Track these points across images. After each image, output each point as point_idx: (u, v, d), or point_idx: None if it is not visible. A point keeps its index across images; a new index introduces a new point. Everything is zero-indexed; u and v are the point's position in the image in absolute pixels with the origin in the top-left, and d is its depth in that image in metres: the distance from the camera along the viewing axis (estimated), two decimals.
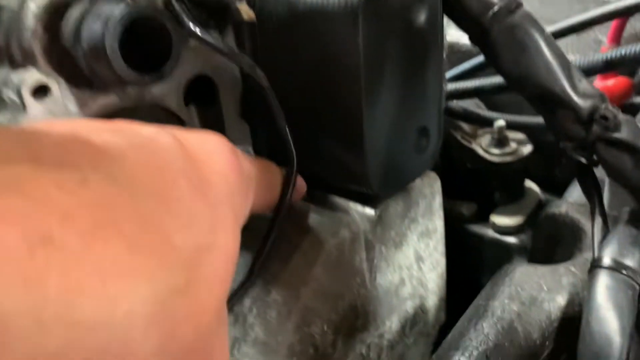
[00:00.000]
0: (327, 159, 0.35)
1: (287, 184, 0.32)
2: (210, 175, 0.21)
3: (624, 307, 0.31)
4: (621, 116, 0.33)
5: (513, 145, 0.62)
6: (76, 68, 0.28)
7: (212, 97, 0.37)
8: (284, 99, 0.35)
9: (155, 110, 0.33)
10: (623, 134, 0.33)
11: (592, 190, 0.36)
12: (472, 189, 0.65)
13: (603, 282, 0.31)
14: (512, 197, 0.65)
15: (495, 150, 0.62)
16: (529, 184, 0.67)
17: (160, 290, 0.16)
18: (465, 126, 0.65)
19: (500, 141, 0.62)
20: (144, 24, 0.27)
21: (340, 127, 0.34)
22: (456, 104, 0.62)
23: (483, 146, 0.63)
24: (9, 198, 0.13)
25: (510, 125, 0.62)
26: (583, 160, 0.35)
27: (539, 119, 0.60)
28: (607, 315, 0.30)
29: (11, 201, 0.13)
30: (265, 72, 0.32)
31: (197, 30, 0.27)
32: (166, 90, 0.33)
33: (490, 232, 0.64)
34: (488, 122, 0.62)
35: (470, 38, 0.37)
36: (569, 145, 0.36)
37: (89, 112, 0.30)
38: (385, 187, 0.36)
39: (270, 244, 0.32)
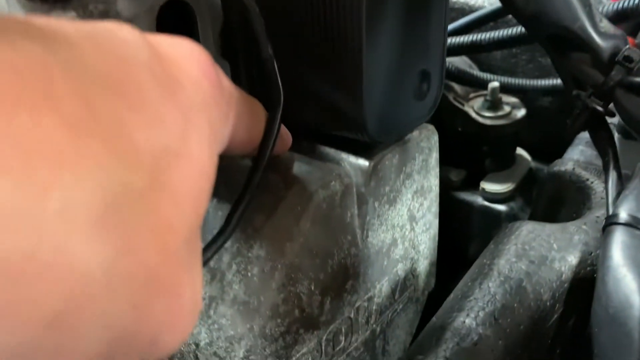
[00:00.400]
0: (319, 102, 0.32)
1: (271, 123, 0.28)
2: (180, 77, 0.17)
3: None
4: None
5: (506, 108, 0.60)
6: None
7: (189, 29, 0.33)
8: (273, 36, 0.31)
9: None
10: None
11: (606, 143, 0.33)
12: (462, 154, 0.62)
13: (619, 239, 0.29)
14: (503, 163, 0.62)
15: (488, 113, 0.59)
16: (520, 151, 0.65)
17: (111, 187, 0.13)
18: (458, 87, 0.62)
19: (494, 104, 0.59)
20: None
21: (337, 66, 0.30)
22: (449, 62, 0.59)
23: (475, 109, 0.60)
24: None
25: (504, 88, 0.59)
26: (599, 108, 0.32)
27: (534, 82, 0.57)
28: (625, 275, 0.27)
29: None
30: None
31: None
32: (136, 11, 0.29)
33: (479, 200, 0.61)
34: (482, 84, 0.59)
35: None
36: (583, 93, 0.32)
37: None
38: (382, 134, 0.32)
39: (251, 190, 0.28)
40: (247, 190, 0.28)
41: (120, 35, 0.16)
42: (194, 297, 0.17)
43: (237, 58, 0.35)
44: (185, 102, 0.17)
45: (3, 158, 0.11)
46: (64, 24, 0.14)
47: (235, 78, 0.35)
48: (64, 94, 0.13)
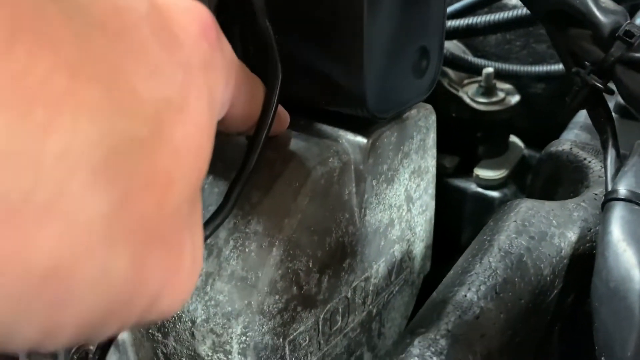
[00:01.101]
0: (318, 76, 0.31)
1: (269, 97, 0.28)
2: (180, 34, 0.17)
3: None
4: None
5: (500, 94, 0.60)
6: None
7: None
8: (272, 8, 0.30)
9: None
10: None
11: (605, 121, 0.33)
12: (456, 140, 0.62)
13: (619, 214, 0.28)
14: (496, 149, 0.62)
15: (482, 99, 0.59)
16: (513, 138, 0.65)
17: (112, 133, 0.12)
18: (452, 73, 0.62)
19: (488, 89, 0.59)
20: None
21: (337, 38, 0.29)
22: (444, 49, 0.59)
23: (469, 94, 0.60)
24: None
25: (499, 74, 0.59)
26: (599, 85, 0.31)
27: (528, 68, 0.57)
28: (625, 249, 0.27)
29: None
30: None
31: None
32: None
33: (472, 186, 0.61)
34: (476, 69, 0.59)
35: None
36: (582, 71, 0.32)
37: None
38: (381, 110, 0.32)
39: (249, 168, 0.28)
40: (244, 168, 0.28)
41: None
42: (193, 257, 0.17)
43: (233, 33, 0.34)
44: (184, 59, 0.16)
45: (1, 93, 0.11)
46: None
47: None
48: (63, 37, 0.12)
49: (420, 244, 0.43)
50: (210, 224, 0.26)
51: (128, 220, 0.13)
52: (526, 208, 0.31)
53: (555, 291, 0.29)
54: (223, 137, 0.26)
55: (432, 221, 0.44)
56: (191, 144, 0.15)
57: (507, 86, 0.61)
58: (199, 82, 0.17)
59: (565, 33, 0.32)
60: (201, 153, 0.16)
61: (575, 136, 0.43)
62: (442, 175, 0.62)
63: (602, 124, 0.33)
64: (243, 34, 0.34)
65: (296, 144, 0.32)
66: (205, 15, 0.19)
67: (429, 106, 0.38)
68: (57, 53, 0.12)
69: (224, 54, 0.20)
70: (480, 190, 0.60)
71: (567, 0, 0.30)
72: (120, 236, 0.13)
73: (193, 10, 0.19)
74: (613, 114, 0.37)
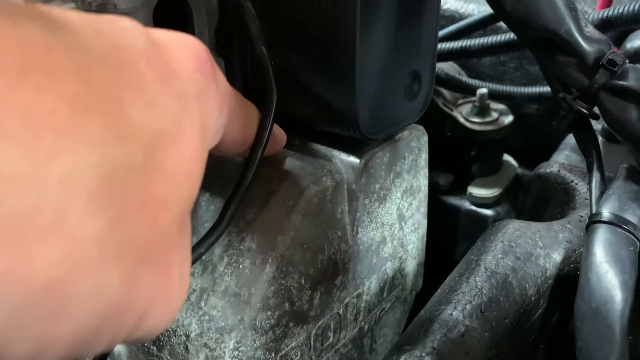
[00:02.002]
0: (313, 98, 0.32)
1: (264, 121, 0.29)
2: (176, 67, 0.18)
3: (625, 262, 0.29)
4: (628, 63, 0.31)
5: (494, 114, 0.61)
6: None
7: (185, 25, 0.33)
8: (267, 28, 0.32)
9: None
10: (630, 82, 0.31)
11: (590, 145, 0.34)
12: (451, 158, 0.63)
13: (602, 237, 0.29)
14: (490, 168, 0.63)
15: (476, 119, 0.60)
16: (507, 157, 0.66)
17: (109, 160, 0.13)
18: (447, 93, 0.63)
19: (482, 109, 0.60)
20: None
21: (330, 62, 0.30)
22: (438, 69, 0.60)
23: (464, 114, 0.61)
24: None
25: (492, 94, 0.60)
26: (584, 111, 0.33)
27: (521, 89, 0.59)
28: (607, 271, 0.28)
29: None
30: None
31: None
32: (134, 5, 0.29)
33: (466, 204, 0.62)
34: (470, 90, 0.60)
35: None
36: (568, 96, 0.33)
37: None
38: (373, 131, 0.33)
39: (243, 189, 0.28)
40: (239, 187, 0.29)
41: (120, 24, 0.17)
42: (181, 276, 0.18)
43: (232, 55, 0.35)
44: (179, 90, 0.17)
45: (11, 125, 0.12)
46: (67, 12, 0.15)
47: (230, 75, 0.36)
48: (66, 72, 0.13)
49: (412, 262, 0.44)
50: (205, 242, 0.27)
51: (121, 241, 0.14)
52: (513, 229, 0.32)
53: (540, 310, 0.30)
54: (221, 156, 0.27)
55: (425, 239, 0.45)
56: (184, 170, 0.16)
57: (500, 106, 0.62)
58: (193, 112, 0.18)
59: (552, 60, 0.33)
60: (193, 178, 0.17)
61: (565, 157, 0.44)
62: (436, 193, 0.63)
63: (587, 148, 0.34)
64: (242, 55, 0.35)
65: (291, 162, 0.33)
66: (200, 49, 0.20)
67: (421, 127, 0.39)
68: (60, 87, 0.13)
69: (217, 85, 0.21)
70: (474, 208, 0.61)
71: (553, 29, 0.31)
72: (113, 255, 0.14)
73: (189, 45, 0.20)
74: (599, 137, 0.38)
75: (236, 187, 0.28)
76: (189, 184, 0.17)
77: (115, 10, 0.29)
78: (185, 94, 0.18)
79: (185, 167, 0.16)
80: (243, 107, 0.26)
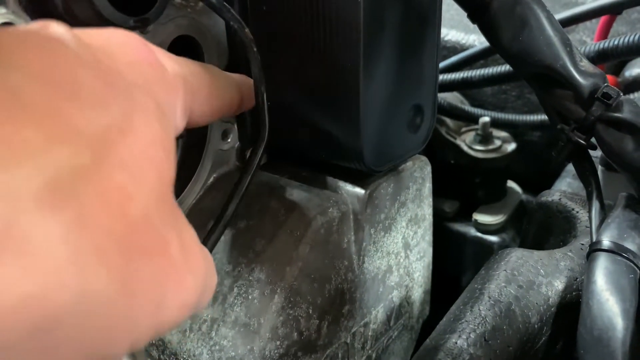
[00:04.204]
0: (318, 132, 0.33)
1: (253, 156, 0.30)
2: (114, 64, 0.18)
3: (626, 290, 0.29)
4: (623, 96, 0.32)
5: (497, 142, 0.62)
6: (50, 9, 0.26)
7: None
8: (274, 68, 0.33)
9: None
10: (625, 114, 0.32)
11: (589, 174, 0.35)
12: (455, 186, 0.63)
13: (603, 265, 0.30)
14: (495, 195, 0.64)
15: (479, 147, 0.61)
16: (511, 184, 0.67)
17: (51, 167, 0.14)
18: (450, 122, 0.64)
19: (485, 138, 0.61)
20: None
21: (335, 97, 0.32)
22: (441, 98, 0.62)
23: (467, 142, 0.62)
24: None
25: (495, 123, 0.61)
26: (581, 142, 0.34)
27: (524, 117, 0.60)
28: (608, 299, 0.29)
29: None
30: (255, 35, 0.30)
31: None
32: None
33: (472, 231, 0.63)
34: (473, 118, 0.61)
35: (469, 14, 0.35)
36: (566, 128, 0.34)
37: None
38: (378, 164, 0.34)
39: (227, 217, 0.29)
40: (232, 197, 0.29)
41: (49, 31, 0.17)
42: (184, 252, 0.17)
43: None
44: (122, 86, 0.17)
45: None
46: None
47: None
48: (2, 93, 0.13)
49: (418, 289, 0.45)
50: (209, 239, 0.27)
51: (93, 239, 0.14)
52: (516, 257, 0.33)
53: (544, 338, 0.31)
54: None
55: (430, 266, 0.46)
56: (142, 157, 0.16)
57: (503, 134, 0.64)
58: (143, 102, 0.18)
59: (550, 93, 0.34)
60: (156, 162, 0.17)
61: (567, 185, 0.45)
62: (442, 220, 0.64)
63: (586, 178, 0.35)
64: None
65: (298, 194, 0.35)
66: (134, 41, 0.21)
67: (424, 158, 0.40)
68: None
69: (164, 69, 0.22)
70: (479, 234, 0.62)
71: (549, 64, 0.33)
72: (89, 255, 0.14)
73: (123, 39, 0.20)
74: (599, 166, 0.39)
75: (218, 218, 0.28)
76: (153, 169, 0.17)
77: None
78: (129, 88, 0.18)
79: (144, 155, 0.17)
80: (206, 77, 0.26)
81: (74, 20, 0.25)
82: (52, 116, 0.14)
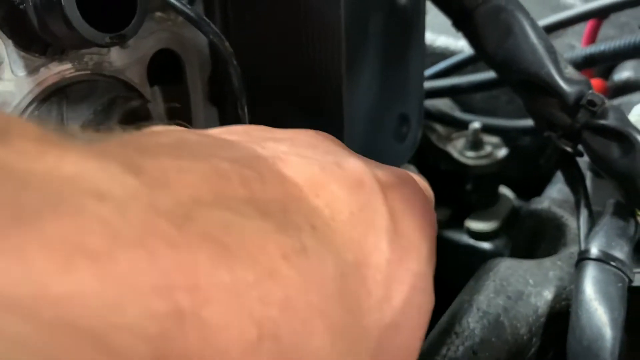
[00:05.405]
0: None
1: None
2: (410, 233, 0.19)
3: (614, 299, 0.29)
4: (608, 103, 0.32)
5: (488, 148, 0.62)
6: (26, 29, 0.26)
7: (179, 77, 0.35)
8: (256, 79, 0.33)
9: (115, 85, 0.31)
10: (610, 121, 0.31)
11: (577, 182, 0.35)
12: (446, 193, 0.63)
13: (591, 274, 0.30)
14: (487, 201, 0.64)
15: (470, 153, 0.61)
16: (503, 189, 0.67)
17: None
18: (440, 128, 0.64)
19: (475, 144, 0.61)
20: None
21: (318, 108, 0.31)
22: (431, 104, 0.61)
23: (458, 149, 0.62)
24: (241, 270, 0.12)
25: (486, 128, 0.61)
26: (568, 149, 0.33)
27: (514, 122, 0.60)
28: (597, 308, 0.28)
29: (240, 273, 0.12)
30: (237, 47, 0.29)
31: None
32: (128, 61, 0.30)
33: (464, 238, 0.62)
34: (463, 125, 0.61)
35: (453, 22, 0.35)
36: (553, 135, 0.34)
37: (40, 80, 0.27)
38: None
39: None
40: None
41: (367, 191, 0.17)
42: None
43: (225, 104, 0.37)
44: (412, 266, 0.18)
45: None
46: (333, 188, 0.16)
47: (224, 123, 0.37)
48: (329, 299, 0.14)
49: None
50: None
51: None
52: (505, 267, 0.33)
53: (533, 349, 0.30)
54: None
55: None
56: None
57: (494, 140, 0.63)
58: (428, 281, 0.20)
59: (536, 100, 0.34)
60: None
61: (557, 191, 0.44)
62: None
63: (574, 185, 0.35)
64: (234, 104, 0.36)
65: None
66: (423, 195, 0.22)
67: (412, 167, 0.40)
68: (328, 321, 0.13)
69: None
70: (472, 241, 0.62)
71: (534, 72, 0.32)
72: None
73: (416, 196, 0.21)
74: (587, 172, 0.39)
75: None
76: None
77: (110, 67, 0.30)
78: (419, 266, 0.19)
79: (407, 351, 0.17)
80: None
81: (50, 38, 0.25)
82: (352, 315, 0.15)
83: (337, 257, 0.15)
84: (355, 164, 0.18)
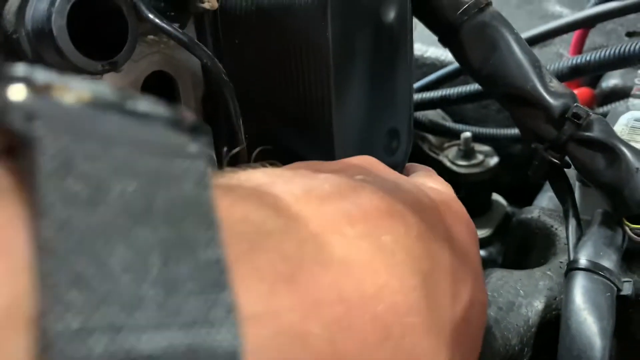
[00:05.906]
0: (294, 159, 0.34)
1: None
2: (464, 238, 0.22)
3: (603, 309, 0.29)
4: (593, 115, 0.33)
5: (480, 157, 0.62)
6: (20, 58, 0.26)
7: (173, 97, 0.35)
8: (248, 98, 0.33)
9: None
10: (595, 133, 0.32)
11: (565, 192, 0.35)
12: None
13: (580, 284, 0.30)
14: (479, 209, 0.64)
15: (462, 162, 0.62)
16: (496, 197, 0.67)
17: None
18: (432, 138, 0.65)
19: (467, 153, 0.62)
20: (97, 9, 0.25)
21: (308, 125, 0.32)
22: (423, 115, 0.62)
23: (450, 158, 0.62)
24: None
25: (477, 137, 0.62)
26: (555, 161, 0.34)
27: (505, 131, 0.60)
28: (586, 318, 0.29)
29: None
30: (229, 68, 0.30)
31: (152, 16, 0.25)
32: (122, 84, 0.31)
33: None
34: (455, 134, 0.62)
35: (439, 37, 0.36)
36: (540, 147, 0.35)
37: None
38: None
39: None
40: None
41: (426, 210, 0.21)
42: None
43: (219, 122, 0.37)
44: (473, 267, 0.22)
45: None
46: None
47: (217, 142, 0.37)
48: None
49: None
50: None
51: None
52: (496, 278, 0.33)
53: (526, 358, 0.31)
54: None
55: None
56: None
57: (486, 148, 0.64)
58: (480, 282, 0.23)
59: (522, 113, 0.35)
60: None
61: (548, 199, 0.45)
62: None
63: (563, 196, 0.35)
64: (228, 122, 0.37)
65: None
66: (458, 203, 0.27)
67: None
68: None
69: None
70: None
71: (519, 86, 0.33)
72: None
73: (457, 207, 0.27)
74: (576, 182, 0.40)
75: None
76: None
77: None
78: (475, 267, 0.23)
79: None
80: None
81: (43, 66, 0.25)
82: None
83: (419, 264, 0.17)
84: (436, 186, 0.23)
